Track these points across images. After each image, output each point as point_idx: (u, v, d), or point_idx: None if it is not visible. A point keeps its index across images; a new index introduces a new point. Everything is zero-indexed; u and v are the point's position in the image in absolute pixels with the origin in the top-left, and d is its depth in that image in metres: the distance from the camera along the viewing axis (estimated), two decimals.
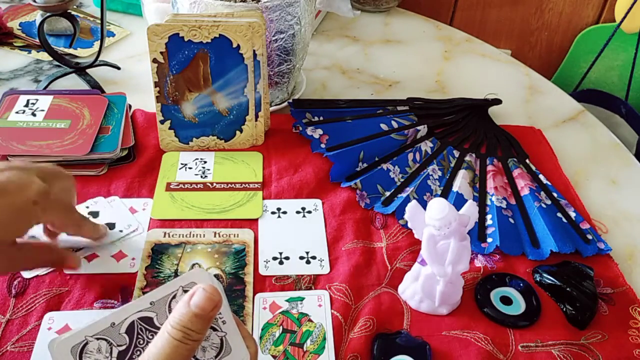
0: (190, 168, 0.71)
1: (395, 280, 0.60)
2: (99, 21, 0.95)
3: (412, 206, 0.55)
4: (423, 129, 0.78)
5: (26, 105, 0.74)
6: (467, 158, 0.75)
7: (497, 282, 0.60)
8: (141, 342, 0.37)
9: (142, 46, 0.77)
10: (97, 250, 0.60)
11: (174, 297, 0.38)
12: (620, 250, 0.66)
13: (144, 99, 0.79)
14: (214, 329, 0.39)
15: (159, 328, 0.37)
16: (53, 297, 0.56)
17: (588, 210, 0.71)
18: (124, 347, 0.37)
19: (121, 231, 0.62)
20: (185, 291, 0.38)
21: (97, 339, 0.37)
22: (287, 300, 0.57)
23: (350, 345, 0.54)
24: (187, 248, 0.62)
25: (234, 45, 0.68)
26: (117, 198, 0.66)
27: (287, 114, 0.80)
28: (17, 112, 0.73)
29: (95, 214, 0.64)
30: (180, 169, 0.71)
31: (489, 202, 0.69)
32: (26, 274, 0.57)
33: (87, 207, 0.65)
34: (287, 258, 0.62)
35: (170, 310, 0.38)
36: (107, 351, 0.37)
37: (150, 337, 0.37)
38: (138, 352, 0.37)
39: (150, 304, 0.38)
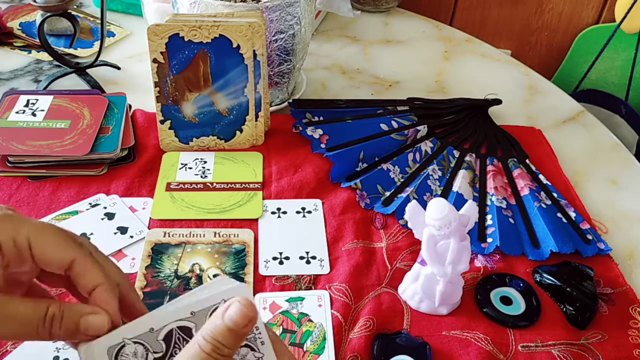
0: (190, 168, 0.71)
1: (395, 280, 0.60)
2: (99, 21, 0.95)
3: (412, 206, 0.55)
4: (423, 129, 0.78)
5: (26, 105, 0.75)
6: (467, 158, 0.75)
7: (497, 282, 0.60)
8: (177, 351, 0.36)
9: (142, 46, 0.77)
10: None
11: (215, 309, 0.36)
12: (620, 250, 0.66)
13: (144, 99, 0.79)
14: (252, 349, 0.37)
15: None
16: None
17: (588, 210, 0.71)
18: (159, 355, 0.36)
19: (132, 237, 0.62)
20: None
21: (135, 342, 0.35)
22: (287, 300, 0.57)
23: (350, 345, 0.54)
24: (187, 248, 0.62)
25: (234, 45, 0.68)
26: (117, 197, 0.66)
27: (287, 114, 0.80)
28: (17, 112, 0.73)
29: (111, 216, 0.64)
30: (180, 169, 0.71)
31: (489, 202, 0.69)
32: None
33: (90, 204, 0.65)
34: (287, 258, 0.62)
35: None
36: (142, 356, 0.36)
37: None
38: None
39: (191, 314, 0.36)
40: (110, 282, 0.38)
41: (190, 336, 0.36)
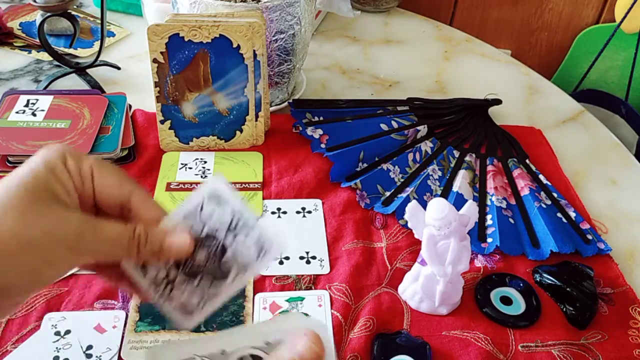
0: (190, 168, 0.71)
1: (395, 280, 0.60)
2: (99, 21, 0.95)
3: (412, 206, 0.55)
4: (423, 129, 0.78)
5: (26, 105, 0.75)
6: (467, 158, 0.75)
7: (497, 282, 0.60)
8: None
9: (142, 46, 0.77)
10: None
11: None
12: (620, 250, 0.66)
13: (144, 99, 0.79)
14: None
15: None
16: (53, 297, 0.56)
17: (588, 211, 0.71)
18: None
19: None
20: None
21: None
22: (287, 300, 0.57)
23: (350, 345, 0.54)
24: None
25: (234, 45, 0.68)
26: None
27: (287, 114, 0.80)
28: (17, 112, 0.73)
29: None
30: (180, 169, 0.71)
31: (489, 202, 0.69)
32: None
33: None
34: (287, 258, 0.62)
35: None
36: None
37: None
38: None
39: (266, 344, 0.36)
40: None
41: None
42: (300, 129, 0.76)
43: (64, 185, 0.36)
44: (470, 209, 0.55)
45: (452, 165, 0.74)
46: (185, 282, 0.38)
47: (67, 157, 0.37)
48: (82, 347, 0.52)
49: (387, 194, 0.70)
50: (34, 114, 0.73)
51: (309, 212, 0.67)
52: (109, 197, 0.38)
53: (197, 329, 0.54)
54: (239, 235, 0.38)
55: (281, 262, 0.61)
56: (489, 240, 0.65)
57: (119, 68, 0.87)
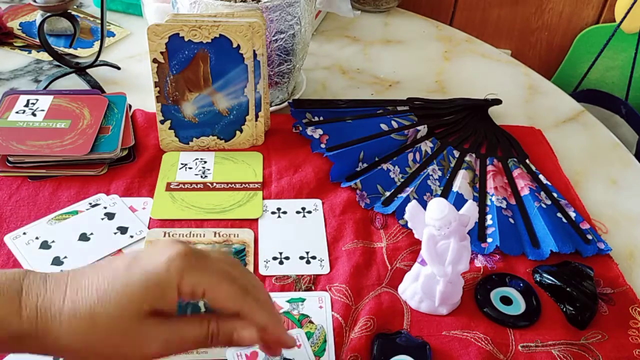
0: (190, 168, 0.71)
1: (396, 280, 0.60)
2: (99, 21, 0.95)
3: (412, 206, 0.55)
4: (423, 129, 0.78)
5: (26, 105, 0.75)
6: (467, 158, 0.75)
7: (497, 282, 0.60)
8: None
9: (142, 46, 0.77)
10: None
11: None
12: (620, 250, 0.66)
13: (144, 99, 0.79)
14: None
15: None
16: None
17: (588, 211, 0.71)
18: None
19: (132, 236, 0.62)
20: None
21: None
22: (288, 301, 0.57)
23: (350, 345, 0.54)
24: None
25: (234, 45, 0.68)
26: (117, 197, 0.66)
27: (287, 114, 0.80)
28: (17, 112, 0.73)
29: (111, 216, 0.64)
30: (180, 169, 0.71)
31: (489, 202, 0.69)
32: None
33: (90, 204, 0.65)
34: (287, 258, 0.62)
35: None
36: None
37: None
38: None
39: None
40: (275, 320, 0.43)
41: None
42: (300, 129, 0.76)
43: (170, 304, 0.40)
44: (470, 209, 0.55)
45: (452, 165, 0.74)
46: None
47: (185, 276, 0.40)
48: None
49: (387, 194, 0.70)
50: (34, 114, 0.73)
51: (309, 212, 0.67)
52: (218, 309, 0.42)
53: None
54: None
55: (281, 262, 0.61)
56: (489, 240, 0.65)
57: (119, 68, 0.87)
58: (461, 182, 0.71)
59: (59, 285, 0.40)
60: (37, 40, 0.82)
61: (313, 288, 0.59)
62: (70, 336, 0.38)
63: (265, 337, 0.42)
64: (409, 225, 0.56)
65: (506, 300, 0.59)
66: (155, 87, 0.70)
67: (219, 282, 0.41)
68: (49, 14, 0.77)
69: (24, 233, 0.62)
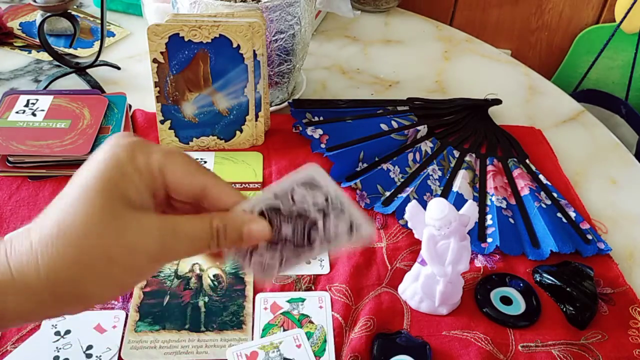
0: None
1: (396, 280, 0.60)
2: (99, 21, 0.95)
3: (412, 206, 0.55)
4: (423, 129, 0.78)
5: (26, 105, 0.75)
6: (467, 158, 0.75)
7: (497, 282, 0.60)
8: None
9: (142, 46, 0.77)
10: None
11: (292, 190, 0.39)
12: (620, 250, 0.66)
13: (144, 99, 0.79)
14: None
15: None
16: None
17: (588, 210, 0.71)
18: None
19: None
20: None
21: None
22: (288, 301, 0.57)
23: (350, 345, 0.54)
24: None
25: (234, 45, 0.68)
26: None
27: (287, 114, 0.80)
28: (17, 112, 0.73)
29: None
30: None
31: (489, 202, 0.69)
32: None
33: None
34: None
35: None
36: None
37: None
38: None
39: (275, 196, 0.39)
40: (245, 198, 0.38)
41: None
42: (300, 129, 0.76)
43: (137, 187, 0.35)
44: (470, 209, 0.55)
45: (452, 165, 0.74)
46: (266, 247, 0.39)
47: (136, 153, 0.35)
48: (82, 347, 0.52)
49: (387, 194, 0.70)
50: (34, 114, 0.73)
51: None
52: (182, 190, 0.37)
53: (197, 329, 0.54)
54: (330, 215, 0.39)
55: None
56: (489, 240, 0.65)
57: (119, 68, 0.87)
58: (461, 182, 0.71)
59: (22, 232, 0.35)
60: (37, 40, 0.82)
61: (313, 288, 0.59)
62: (50, 262, 0.33)
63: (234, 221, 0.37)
64: (409, 225, 0.56)
65: (506, 300, 0.59)
66: (155, 87, 0.70)
67: (172, 154, 0.36)
68: (49, 14, 0.77)
69: None
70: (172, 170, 0.36)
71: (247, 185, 0.69)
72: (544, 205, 0.68)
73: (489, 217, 0.67)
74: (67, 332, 0.53)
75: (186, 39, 0.67)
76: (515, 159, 0.76)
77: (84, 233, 0.33)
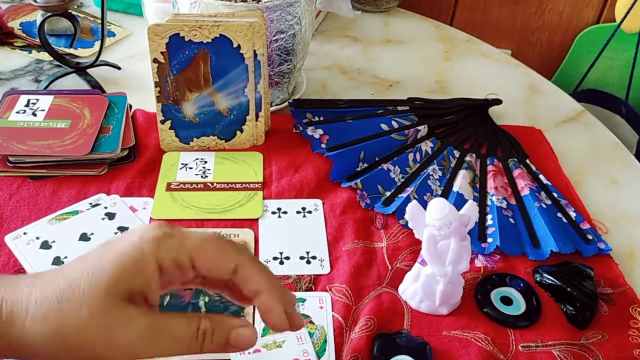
0: (190, 168, 0.71)
1: (396, 281, 0.60)
2: (99, 21, 0.95)
3: (413, 206, 0.55)
4: (423, 129, 0.78)
5: (27, 105, 0.75)
6: (468, 158, 0.75)
7: (497, 282, 0.60)
8: None
9: (143, 46, 0.77)
10: None
11: None
12: (620, 250, 0.66)
13: (144, 99, 0.79)
14: None
15: None
16: None
17: (588, 210, 0.71)
18: None
19: None
20: None
21: None
22: None
23: (350, 345, 0.54)
24: None
25: (235, 45, 0.68)
26: (118, 197, 0.66)
27: (288, 114, 0.80)
28: (17, 112, 0.73)
29: (111, 216, 0.64)
30: (180, 169, 0.71)
31: (489, 202, 0.69)
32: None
33: (91, 204, 0.65)
34: (287, 258, 0.62)
35: None
36: None
37: None
38: None
39: None
40: (275, 286, 0.38)
41: None
42: (301, 129, 0.76)
43: (150, 288, 0.36)
44: (471, 209, 0.55)
45: (452, 165, 0.74)
46: None
47: (161, 251, 0.36)
48: None
49: (388, 194, 0.70)
50: (34, 114, 0.73)
51: (309, 212, 0.67)
52: (213, 272, 0.37)
53: None
54: None
55: (281, 262, 0.61)
56: (489, 240, 0.65)
57: (119, 68, 0.87)
58: (461, 182, 0.71)
59: (26, 279, 0.36)
60: (38, 40, 0.82)
61: (313, 288, 0.59)
62: (37, 324, 0.34)
63: (266, 304, 0.38)
64: (409, 225, 0.56)
65: (506, 300, 0.59)
66: (156, 87, 0.70)
67: (204, 242, 0.37)
68: (49, 14, 0.77)
69: (25, 233, 0.62)
70: (203, 256, 0.37)
71: (247, 185, 0.70)
72: (544, 205, 0.68)
73: (489, 217, 0.67)
74: None
75: (186, 39, 0.67)
76: (515, 159, 0.76)
77: (77, 330, 0.34)
